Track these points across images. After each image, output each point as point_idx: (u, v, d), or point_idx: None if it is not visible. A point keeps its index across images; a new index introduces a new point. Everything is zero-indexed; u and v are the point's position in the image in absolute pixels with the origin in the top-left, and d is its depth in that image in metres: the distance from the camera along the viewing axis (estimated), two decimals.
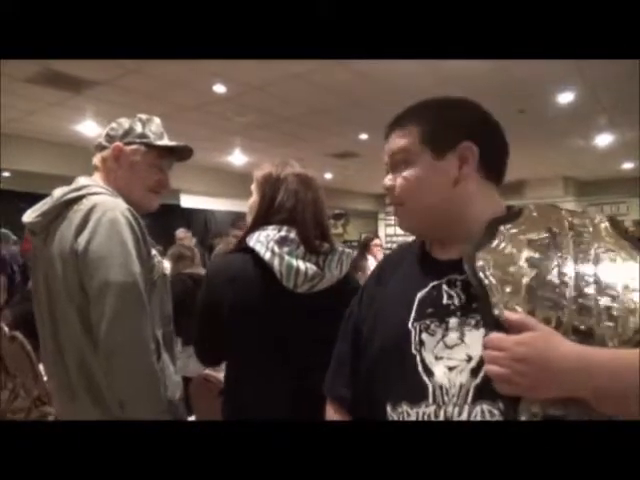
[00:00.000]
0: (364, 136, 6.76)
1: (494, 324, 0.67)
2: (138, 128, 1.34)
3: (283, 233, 1.21)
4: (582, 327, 0.64)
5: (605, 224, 0.73)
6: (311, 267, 1.21)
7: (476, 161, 0.78)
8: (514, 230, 0.73)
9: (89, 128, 5.70)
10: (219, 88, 4.84)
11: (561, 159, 8.23)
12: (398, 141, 0.81)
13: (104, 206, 1.18)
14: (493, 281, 0.69)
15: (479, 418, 0.67)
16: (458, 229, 0.77)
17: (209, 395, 1.94)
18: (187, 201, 9.38)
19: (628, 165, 8.68)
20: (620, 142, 6.96)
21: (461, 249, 0.76)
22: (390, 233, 12.62)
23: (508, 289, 0.68)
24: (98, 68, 4.19)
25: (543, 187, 9.93)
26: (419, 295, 0.79)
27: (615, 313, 0.64)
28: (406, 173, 0.79)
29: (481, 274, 0.70)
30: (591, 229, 0.71)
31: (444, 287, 0.77)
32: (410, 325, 0.78)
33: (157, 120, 1.39)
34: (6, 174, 7.08)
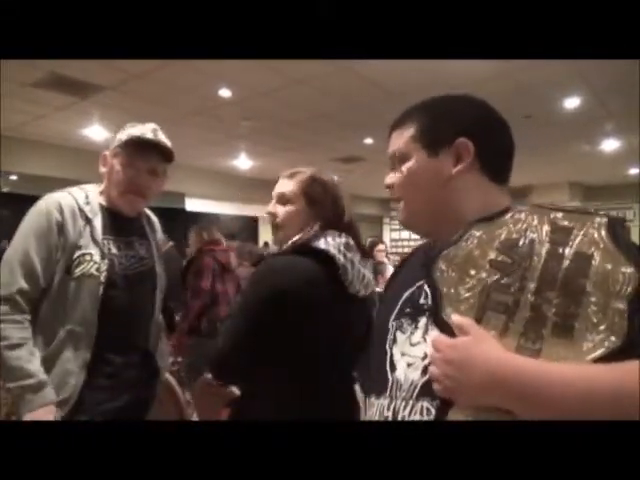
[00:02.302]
0: (369, 140, 6.77)
1: (441, 325, 0.68)
2: (119, 135, 1.39)
3: (345, 239, 1.24)
4: (531, 336, 0.62)
5: (599, 227, 0.65)
6: (368, 273, 1.27)
7: (471, 158, 0.76)
8: (487, 232, 0.70)
9: (95, 132, 5.74)
10: (224, 92, 4.86)
11: (567, 164, 8.21)
12: (396, 141, 0.82)
13: (43, 199, 1.32)
14: (447, 282, 0.69)
15: (418, 414, 0.69)
16: (454, 227, 0.75)
17: (212, 399, 1.94)
18: (192, 205, 9.42)
19: (634, 170, 8.63)
20: (626, 147, 6.93)
21: None
22: (395, 237, 12.63)
23: (463, 291, 0.67)
24: (104, 73, 4.23)
25: (549, 192, 9.91)
26: (405, 294, 0.81)
27: (571, 329, 0.60)
28: (402, 170, 0.81)
29: (437, 274, 0.70)
30: (579, 232, 0.65)
31: (425, 287, 0.77)
32: (390, 322, 0.80)
33: (147, 125, 1.39)
34: (13, 177, 7.14)
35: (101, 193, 1.42)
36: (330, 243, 1.21)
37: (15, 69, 4.03)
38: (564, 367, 0.59)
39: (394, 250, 10.53)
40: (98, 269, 1.30)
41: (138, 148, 1.36)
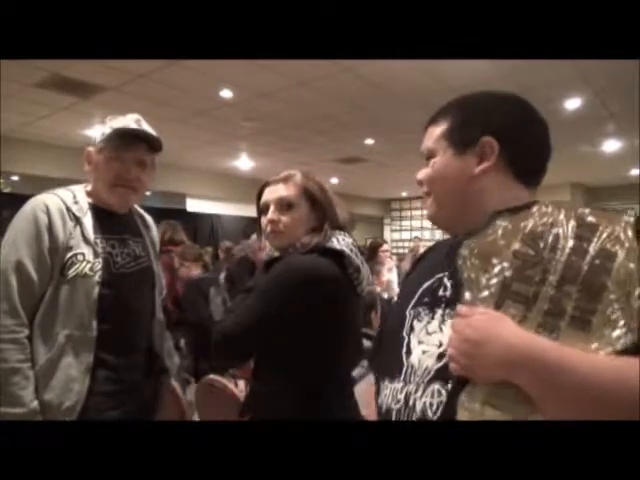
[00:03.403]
0: (370, 141, 6.77)
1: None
2: (102, 129, 1.37)
3: (351, 239, 1.27)
4: (548, 327, 0.63)
5: (625, 226, 0.65)
6: (369, 272, 1.28)
7: (495, 157, 0.77)
8: (512, 223, 0.71)
9: (97, 133, 5.74)
10: (226, 93, 4.87)
11: (569, 165, 8.20)
12: (427, 138, 0.85)
13: (29, 202, 1.29)
14: (471, 270, 0.70)
15: (429, 397, 0.71)
16: (477, 223, 0.76)
17: (214, 401, 1.94)
18: (193, 205, 9.42)
19: (636, 171, 8.62)
20: (628, 148, 6.92)
21: None
22: (396, 238, 12.62)
23: (484, 279, 0.68)
24: (106, 73, 4.23)
25: (551, 193, 9.81)
26: (425, 285, 0.83)
27: (588, 323, 0.60)
28: (430, 166, 0.83)
29: (461, 261, 0.72)
30: (605, 230, 0.65)
31: (445, 279, 0.79)
32: (407, 311, 0.83)
33: (128, 116, 1.37)
34: (14, 178, 7.16)
35: (89, 192, 1.38)
36: (342, 244, 1.23)
37: (17, 70, 4.04)
38: (587, 354, 0.59)
39: (394, 250, 10.52)
40: (92, 268, 1.26)
41: (122, 140, 1.32)
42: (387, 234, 12.99)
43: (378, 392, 0.84)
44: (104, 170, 1.33)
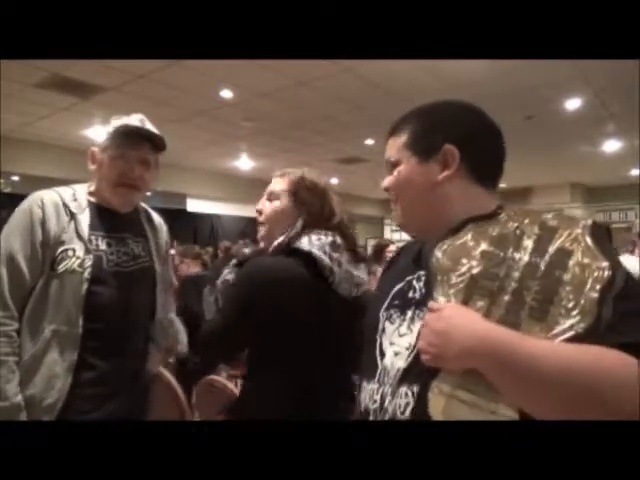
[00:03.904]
0: (370, 141, 6.77)
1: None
2: (106, 129, 1.37)
3: (332, 238, 1.23)
4: (510, 317, 0.67)
5: (583, 229, 0.71)
6: (358, 273, 1.25)
7: (456, 164, 0.81)
8: (481, 227, 0.76)
9: (97, 133, 5.74)
10: (226, 94, 4.87)
11: (569, 165, 8.20)
12: (391, 147, 0.88)
13: (29, 196, 1.30)
14: (442, 270, 0.75)
15: (399, 398, 0.75)
16: (443, 228, 0.80)
17: (214, 401, 1.94)
18: (193, 205, 9.43)
19: (636, 171, 8.62)
20: (628, 148, 6.92)
21: None
22: (396, 238, 12.62)
23: (454, 277, 0.73)
24: (106, 74, 4.24)
25: (550, 193, 9.89)
26: (396, 287, 0.87)
27: (546, 313, 0.66)
28: (394, 174, 0.86)
29: (434, 261, 0.76)
30: (564, 232, 0.71)
31: (414, 282, 0.84)
32: (380, 313, 0.87)
33: (132, 116, 1.37)
34: (15, 178, 7.16)
35: (92, 190, 1.38)
36: (315, 243, 1.20)
37: (17, 70, 4.04)
38: (541, 340, 0.64)
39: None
40: (81, 264, 1.25)
41: (126, 139, 1.32)
42: (387, 234, 12.99)
43: (359, 392, 0.88)
44: (108, 169, 1.33)
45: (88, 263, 1.26)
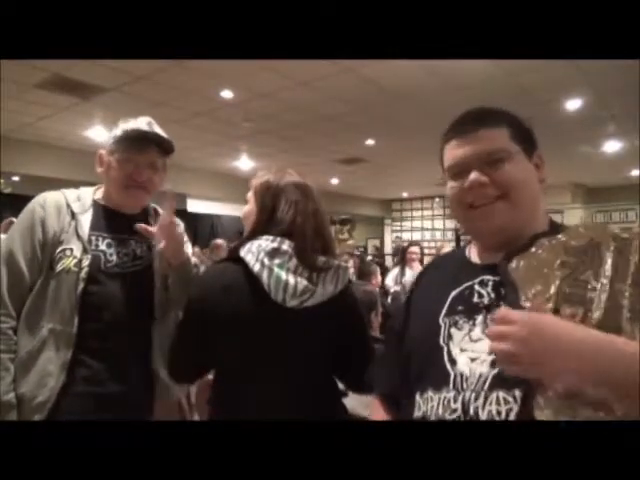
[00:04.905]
0: (370, 142, 6.77)
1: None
2: (113, 131, 1.37)
3: (276, 244, 1.16)
4: (610, 324, 0.65)
5: None
6: (301, 281, 1.15)
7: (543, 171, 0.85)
8: (554, 240, 0.74)
9: (98, 134, 5.75)
10: (226, 94, 4.87)
11: (569, 166, 8.19)
12: (489, 140, 0.82)
13: (35, 197, 1.32)
14: (524, 279, 0.72)
15: (494, 404, 0.71)
16: (529, 228, 0.81)
17: None
18: (194, 206, 9.43)
19: (636, 172, 8.62)
20: (629, 149, 6.91)
21: (500, 254, 0.80)
22: (397, 238, 12.62)
23: (539, 287, 0.71)
24: (107, 74, 4.24)
25: (551, 194, 9.88)
26: (453, 294, 0.85)
27: None
28: (508, 167, 0.81)
29: (511, 270, 0.74)
30: (637, 242, 0.70)
31: (476, 287, 0.83)
32: (441, 320, 0.84)
33: (140, 119, 1.37)
34: (15, 178, 7.16)
35: (99, 192, 1.40)
36: (253, 249, 1.16)
37: (17, 70, 4.04)
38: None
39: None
40: (78, 264, 1.25)
41: (135, 142, 1.33)
42: (387, 234, 13.00)
43: (413, 404, 0.83)
44: (116, 172, 1.33)
45: (85, 263, 1.26)
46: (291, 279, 1.14)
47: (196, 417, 2.12)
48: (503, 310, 0.68)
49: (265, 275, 1.14)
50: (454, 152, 0.85)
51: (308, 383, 1.19)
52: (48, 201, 1.29)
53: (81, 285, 1.25)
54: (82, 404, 1.23)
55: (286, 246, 1.16)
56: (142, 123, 1.36)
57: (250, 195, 1.29)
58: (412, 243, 5.36)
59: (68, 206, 1.31)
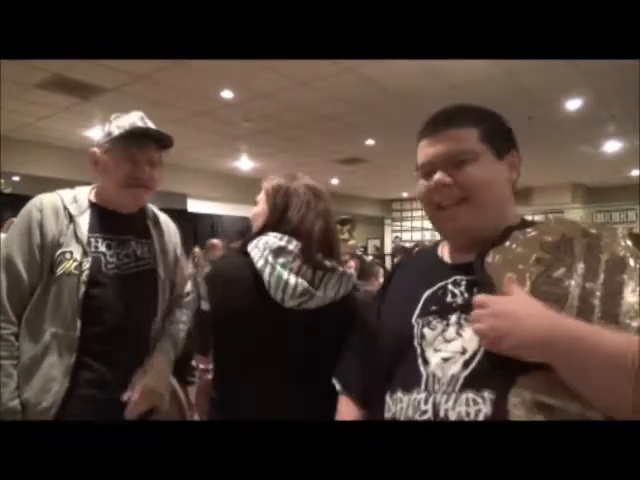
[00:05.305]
0: (370, 142, 6.77)
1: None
2: (106, 128, 1.34)
3: (283, 243, 1.18)
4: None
5: (623, 237, 0.73)
6: (302, 283, 1.15)
7: (520, 170, 0.85)
8: (528, 235, 0.77)
9: (98, 134, 5.73)
10: (226, 94, 4.87)
11: (569, 166, 8.20)
12: (456, 140, 0.82)
13: (31, 200, 1.30)
14: (497, 274, 0.74)
15: (464, 405, 0.71)
16: (495, 230, 0.81)
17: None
18: (194, 206, 9.43)
19: (636, 172, 8.62)
20: (629, 149, 6.92)
21: (472, 253, 0.81)
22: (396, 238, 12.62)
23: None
24: (107, 74, 4.24)
25: (551, 194, 9.89)
26: (426, 294, 0.84)
27: (617, 319, 0.66)
28: (471, 169, 0.80)
29: (487, 267, 0.75)
30: (607, 240, 0.73)
31: (449, 287, 0.82)
32: (414, 320, 0.83)
33: (132, 114, 1.34)
34: (15, 178, 7.16)
35: (95, 192, 1.37)
36: (259, 245, 1.18)
37: (17, 70, 4.04)
38: (617, 333, 0.64)
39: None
40: (78, 267, 1.24)
41: (132, 139, 1.30)
42: (387, 234, 13.00)
43: (383, 405, 0.83)
44: (115, 170, 1.31)
45: (86, 266, 1.25)
46: (292, 279, 1.15)
47: (196, 417, 2.12)
48: (479, 296, 0.72)
49: (267, 272, 1.15)
50: (425, 151, 0.86)
51: (307, 384, 1.18)
52: (45, 204, 1.27)
53: (82, 288, 1.23)
54: (86, 408, 1.22)
55: (292, 246, 1.18)
56: (134, 118, 1.33)
57: (261, 196, 1.31)
58: (418, 244, 5.35)
59: (65, 208, 1.28)
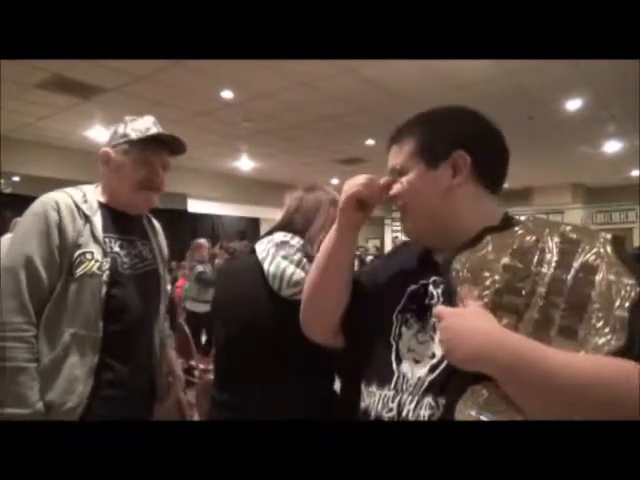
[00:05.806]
0: (370, 142, 6.78)
1: None
2: (121, 129, 1.35)
3: (286, 239, 1.24)
4: (539, 336, 0.66)
5: (604, 243, 0.71)
6: (299, 273, 1.18)
7: (468, 170, 0.80)
8: (501, 239, 0.75)
9: (98, 134, 5.76)
10: (226, 94, 4.87)
11: (569, 166, 8.20)
12: (394, 156, 0.87)
13: (39, 199, 1.28)
14: (462, 282, 0.73)
15: (424, 409, 0.72)
16: (453, 235, 0.80)
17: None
18: (194, 206, 9.44)
19: (636, 172, 8.62)
20: (629, 149, 6.92)
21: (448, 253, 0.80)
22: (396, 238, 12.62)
23: (476, 292, 0.72)
24: (107, 74, 4.24)
25: (551, 194, 9.90)
26: (409, 290, 0.85)
27: (575, 332, 0.65)
28: (402, 182, 0.85)
29: (453, 274, 0.74)
30: (587, 246, 0.71)
31: (430, 287, 0.82)
32: (394, 316, 0.84)
33: (145, 118, 1.37)
34: (15, 178, 7.17)
35: (101, 191, 1.38)
36: (264, 241, 1.27)
37: (17, 70, 4.04)
38: (561, 352, 0.64)
39: None
40: (100, 267, 1.25)
41: (150, 144, 1.33)
42: (387, 234, 13.00)
43: (359, 395, 0.84)
44: (131, 173, 1.32)
45: (106, 266, 1.26)
46: (289, 269, 1.19)
47: (196, 417, 2.12)
48: (437, 308, 0.74)
49: (267, 262, 1.21)
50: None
51: (307, 379, 1.20)
52: (60, 204, 1.26)
53: (104, 288, 1.25)
54: (110, 407, 1.24)
55: (295, 242, 1.24)
56: (149, 123, 1.36)
57: (292, 205, 1.36)
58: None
59: (79, 208, 1.28)
